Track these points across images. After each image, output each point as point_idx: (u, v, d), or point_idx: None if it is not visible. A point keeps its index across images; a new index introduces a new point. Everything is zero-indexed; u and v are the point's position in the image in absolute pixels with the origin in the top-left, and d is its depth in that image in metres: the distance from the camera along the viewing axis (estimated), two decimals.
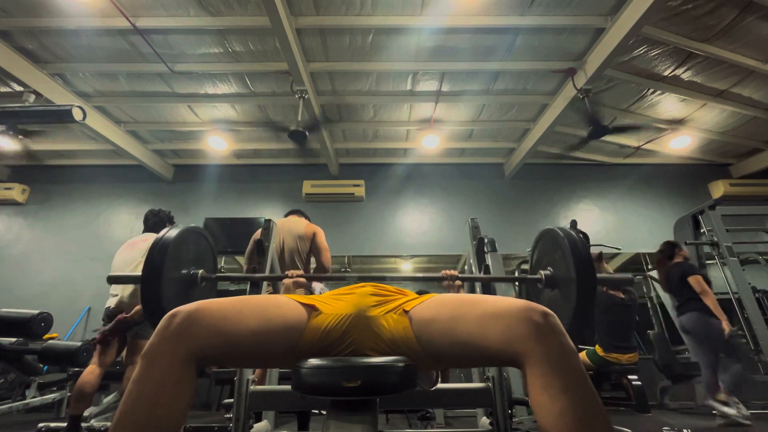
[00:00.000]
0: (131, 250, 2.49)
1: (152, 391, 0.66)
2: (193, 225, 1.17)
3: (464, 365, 1.15)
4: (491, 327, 0.70)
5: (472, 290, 1.56)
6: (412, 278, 1.72)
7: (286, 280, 1.34)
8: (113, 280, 1.22)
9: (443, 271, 1.35)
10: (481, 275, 1.46)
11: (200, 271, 1.17)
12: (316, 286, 2.39)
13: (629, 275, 1.30)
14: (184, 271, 1.12)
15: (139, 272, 2.22)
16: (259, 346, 0.77)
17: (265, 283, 1.44)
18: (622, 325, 3.29)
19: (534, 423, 2.53)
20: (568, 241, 1.06)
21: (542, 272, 1.20)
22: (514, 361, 0.68)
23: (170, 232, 1.05)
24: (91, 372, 2.17)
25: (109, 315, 2.34)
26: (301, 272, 1.35)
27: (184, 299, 1.10)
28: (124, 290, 2.33)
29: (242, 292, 1.20)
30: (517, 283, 4.88)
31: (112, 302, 2.36)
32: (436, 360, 0.82)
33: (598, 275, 1.05)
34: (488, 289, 1.45)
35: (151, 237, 2.50)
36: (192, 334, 0.70)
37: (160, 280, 0.99)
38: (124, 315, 2.24)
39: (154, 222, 2.63)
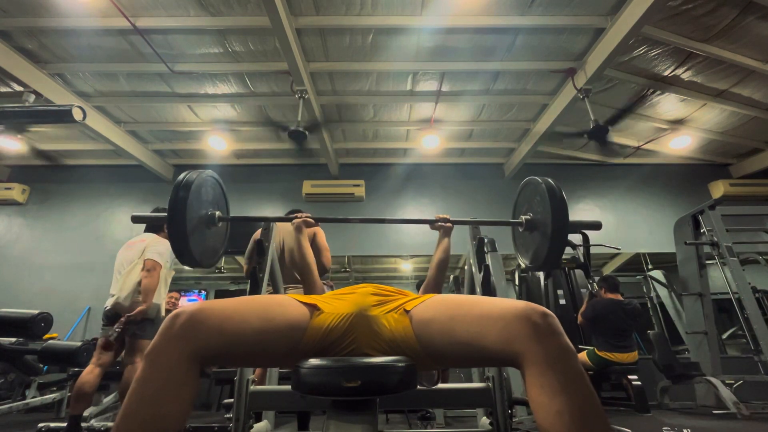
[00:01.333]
0: (129, 250, 2.50)
1: (156, 390, 0.67)
2: (208, 170, 1.23)
3: (464, 365, 1.15)
4: (491, 327, 0.71)
5: (472, 291, 1.56)
6: (409, 221, 1.73)
7: (295, 221, 1.44)
8: (137, 219, 1.30)
9: (436, 215, 1.53)
10: (470, 219, 1.58)
11: (217, 212, 1.25)
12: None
13: (598, 221, 1.39)
14: (203, 212, 1.19)
15: (136, 273, 2.22)
16: (262, 346, 0.78)
17: (265, 284, 1.45)
18: (620, 325, 3.30)
19: (534, 423, 2.52)
20: (545, 186, 1.19)
21: (523, 217, 1.33)
22: (514, 361, 0.69)
23: (190, 175, 1.12)
24: (90, 372, 2.18)
25: (108, 316, 2.34)
26: (308, 214, 1.47)
27: (203, 237, 1.18)
28: (121, 291, 2.34)
29: (242, 292, 1.21)
30: (517, 284, 4.90)
31: (109, 303, 2.36)
32: (436, 360, 0.82)
33: (571, 220, 1.18)
34: (488, 288, 1.45)
35: (148, 238, 2.49)
36: (195, 333, 0.71)
37: (185, 217, 1.06)
38: (129, 315, 2.24)
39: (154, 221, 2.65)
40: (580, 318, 3.51)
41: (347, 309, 0.87)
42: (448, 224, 1.51)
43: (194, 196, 1.11)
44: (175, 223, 1.07)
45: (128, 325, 2.23)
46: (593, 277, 3.53)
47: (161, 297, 2.44)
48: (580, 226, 1.40)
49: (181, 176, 1.11)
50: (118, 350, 2.33)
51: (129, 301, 2.33)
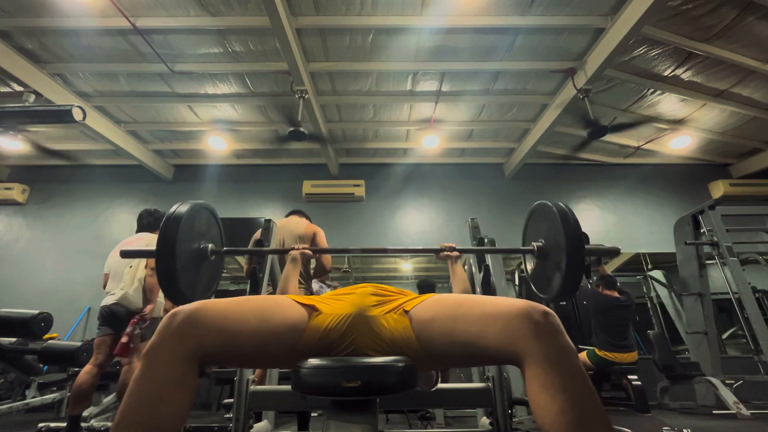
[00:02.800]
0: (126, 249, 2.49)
1: (154, 390, 0.66)
2: (201, 201, 1.18)
3: (464, 365, 1.15)
4: (491, 326, 0.71)
5: (473, 293, 1.56)
6: (412, 250, 1.69)
7: (293, 252, 1.36)
8: (126, 254, 1.24)
9: (441, 244, 1.40)
10: (476, 247, 1.51)
11: (210, 245, 1.19)
12: (315, 285, 2.39)
13: (617, 247, 1.31)
14: (195, 245, 1.14)
15: (141, 270, 2.20)
16: (260, 346, 0.78)
17: (265, 284, 1.45)
18: (620, 325, 3.31)
19: (534, 423, 2.52)
20: (558, 211, 1.10)
21: (534, 244, 1.24)
22: (514, 360, 0.68)
23: (181, 207, 1.07)
24: (88, 372, 2.17)
25: (109, 312, 2.31)
26: (306, 246, 1.40)
27: (195, 272, 1.13)
28: (129, 286, 2.33)
29: (243, 292, 1.20)
30: (517, 284, 4.89)
31: (110, 300, 2.33)
32: (436, 360, 0.82)
33: (587, 247, 1.08)
34: (488, 288, 1.45)
35: (146, 236, 2.49)
36: (193, 333, 0.70)
37: (174, 253, 1.01)
38: (143, 314, 2.24)
39: (148, 222, 2.64)
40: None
41: (346, 309, 0.87)
42: (455, 253, 1.39)
43: (185, 229, 1.05)
44: (163, 260, 1.00)
45: (138, 323, 2.23)
46: (593, 276, 3.54)
47: (162, 296, 2.44)
48: (597, 253, 1.31)
49: (172, 208, 1.06)
50: (112, 349, 2.31)
51: (137, 295, 2.33)
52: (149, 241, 2.46)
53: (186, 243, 1.08)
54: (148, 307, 2.27)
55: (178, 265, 1.02)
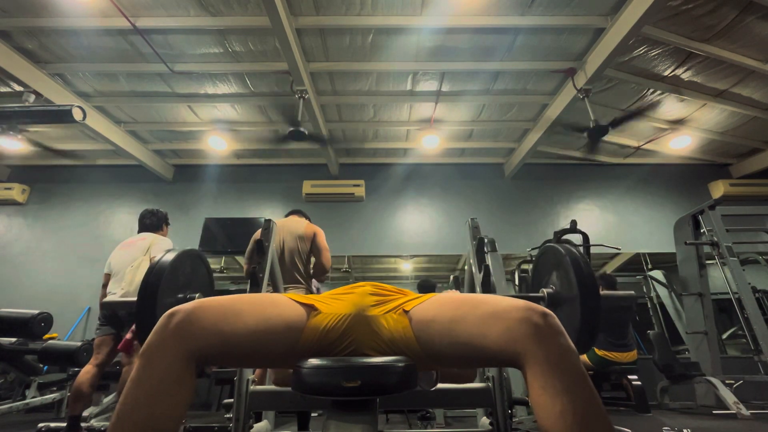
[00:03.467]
0: (129, 248, 2.47)
1: (151, 390, 0.66)
2: (189, 248, 1.16)
3: (464, 366, 1.14)
4: (491, 327, 0.70)
5: (472, 291, 1.56)
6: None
7: None
8: (108, 306, 1.20)
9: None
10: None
11: (197, 295, 1.14)
12: (315, 285, 2.38)
13: (631, 292, 1.28)
14: (180, 296, 1.10)
15: (140, 271, 2.18)
16: (259, 346, 0.77)
17: (265, 284, 1.44)
18: (619, 324, 3.31)
19: (534, 423, 2.53)
20: (571, 259, 1.04)
21: (544, 290, 1.19)
22: (514, 362, 0.68)
23: (166, 257, 1.04)
24: (87, 372, 2.17)
25: (106, 315, 2.31)
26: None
27: None
28: (131, 285, 2.31)
29: (242, 293, 1.20)
30: (517, 284, 4.89)
31: (114, 299, 2.34)
32: (435, 360, 0.82)
33: (602, 292, 1.03)
34: (488, 288, 1.45)
35: (149, 236, 2.49)
36: (191, 332, 0.70)
37: (155, 306, 0.97)
38: None
39: (151, 222, 2.63)
40: None
41: (345, 309, 0.86)
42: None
43: (168, 280, 1.02)
44: (143, 314, 0.96)
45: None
46: None
47: None
48: (614, 300, 1.22)
49: (157, 259, 1.03)
50: (114, 349, 2.31)
51: None
52: (152, 241, 2.47)
53: (170, 294, 1.04)
54: None
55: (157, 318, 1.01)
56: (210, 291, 1.23)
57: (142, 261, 2.40)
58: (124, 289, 2.31)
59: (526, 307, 0.69)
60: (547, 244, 1.21)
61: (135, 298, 0.99)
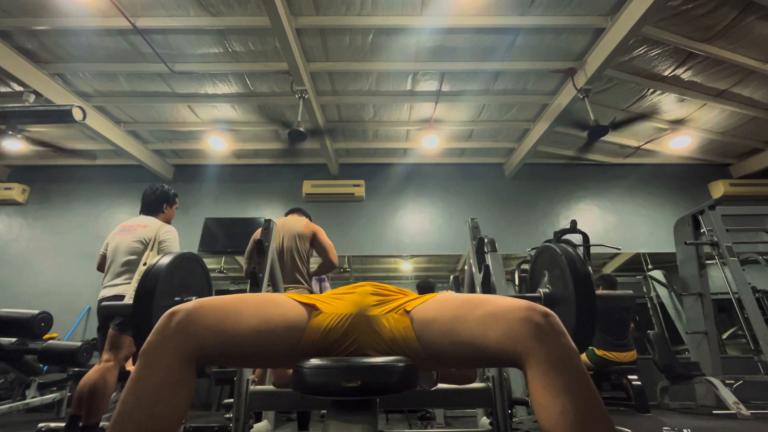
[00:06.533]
0: (128, 234, 2.29)
1: (151, 390, 0.66)
2: (186, 251, 1.17)
3: (465, 365, 1.14)
4: (492, 327, 0.70)
5: (472, 291, 1.56)
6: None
7: None
8: (105, 309, 1.19)
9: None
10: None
11: (193, 298, 1.14)
12: (316, 287, 2.38)
13: (630, 291, 1.28)
14: (177, 299, 1.10)
15: (141, 264, 2.09)
16: (260, 346, 0.77)
17: (265, 284, 1.44)
18: (619, 324, 3.31)
19: (534, 423, 2.53)
20: (566, 259, 1.05)
21: (541, 290, 1.21)
22: (516, 362, 0.68)
23: (162, 260, 1.05)
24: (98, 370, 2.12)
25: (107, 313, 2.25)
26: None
27: None
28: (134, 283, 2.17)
29: (243, 292, 1.20)
30: (517, 284, 4.89)
31: (106, 293, 2.24)
32: (436, 360, 0.82)
33: (598, 293, 1.04)
34: (488, 288, 1.45)
35: (152, 224, 2.31)
36: (192, 332, 0.70)
37: (151, 310, 0.97)
38: None
39: (149, 200, 2.43)
40: None
41: (347, 309, 0.86)
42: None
43: (164, 284, 1.03)
44: (139, 315, 0.97)
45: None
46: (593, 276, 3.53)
47: None
48: (612, 300, 1.23)
49: (153, 262, 1.04)
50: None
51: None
52: (158, 233, 2.28)
53: (167, 297, 1.04)
54: None
55: (155, 322, 1.02)
56: (207, 294, 1.23)
57: (150, 255, 2.22)
58: (116, 285, 2.23)
59: (528, 307, 0.69)
60: (544, 244, 1.21)
61: (131, 303, 0.99)
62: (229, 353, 0.75)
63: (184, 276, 1.14)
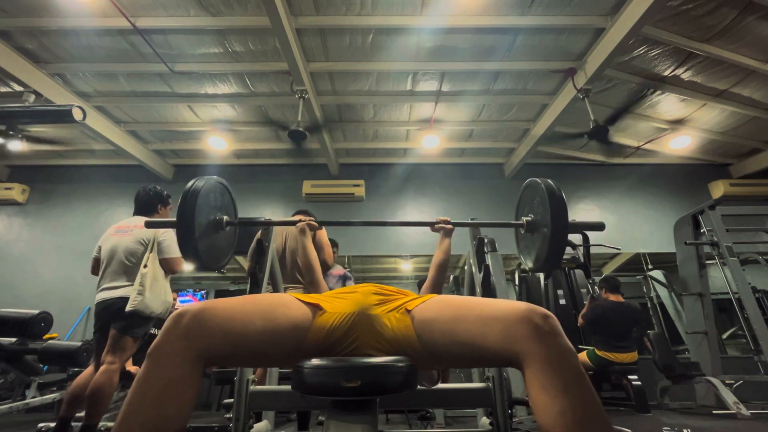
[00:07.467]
0: (123, 236, 2.23)
1: (159, 390, 0.66)
2: (216, 177, 1.28)
3: (465, 365, 1.14)
4: (492, 328, 0.71)
5: (472, 291, 1.57)
6: (408, 222, 1.82)
7: (299, 224, 1.53)
8: (151, 224, 1.34)
9: (437, 218, 1.58)
10: (470, 221, 1.63)
11: (225, 217, 1.30)
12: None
13: (601, 222, 1.39)
14: (211, 217, 1.23)
15: (159, 273, 2.05)
16: (266, 346, 0.78)
17: (265, 283, 1.45)
18: (620, 329, 3.31)
19: (534, 423, 2.53)
20: (545, 186, 1.20)
21: (524, 218, 1.35)
22: (514, 362, 0.69)
23: (198, 183, 1.17)
24: (89, 374, 2.10)
25: (114, 314, 2.07)
26: (311, 218, 1.56)
27: (212, 241, 1.23)
28: (148, 290, 2.06)
29: (243, 293, 1.21)
30: (517, 284, 4.89)
31: (106, 295, 2.11)
32: (436, 359, 0.82)
33: (571, 221, 1.20)
34: (488, 288, 1.45)
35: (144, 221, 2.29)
36: (200, 334, 0.70)
37: (193, 223, 1.11)
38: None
39: (142, 201, 2.41)
40: (580, 320, 3.52)
41: (349, 308, 0.87)
42: (449, 226, 1.54)
43: (203, 202, 1.15)
44: (184, 228, 1.11)
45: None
46: (593, 277, 3.54)
47: (170, 296, 2.29)
48: (582, 227, 1.40)
49: (190, 183, 1.15)
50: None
51: (161, 307, 2.11)
52: (161, 233, 2.25)
53: (204, 215, 1.17)
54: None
55: (197, 234, 1.13)
56: (234, 215, 1.38)
57: (151, 259, 2.15)
58: (120, 288, 2.11)
59: (527, 309, 0.69)
60: (530, 179, 1.32)
61: (174, 219, 1.12)
62: (236, 354, 0.76)
63: (216, 197, 1.27)
